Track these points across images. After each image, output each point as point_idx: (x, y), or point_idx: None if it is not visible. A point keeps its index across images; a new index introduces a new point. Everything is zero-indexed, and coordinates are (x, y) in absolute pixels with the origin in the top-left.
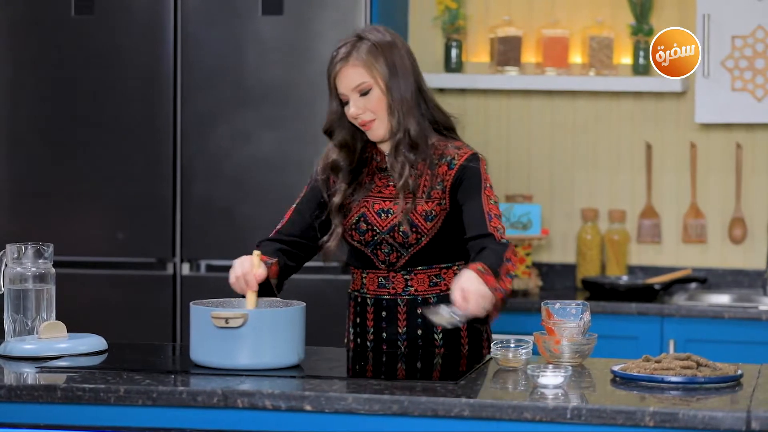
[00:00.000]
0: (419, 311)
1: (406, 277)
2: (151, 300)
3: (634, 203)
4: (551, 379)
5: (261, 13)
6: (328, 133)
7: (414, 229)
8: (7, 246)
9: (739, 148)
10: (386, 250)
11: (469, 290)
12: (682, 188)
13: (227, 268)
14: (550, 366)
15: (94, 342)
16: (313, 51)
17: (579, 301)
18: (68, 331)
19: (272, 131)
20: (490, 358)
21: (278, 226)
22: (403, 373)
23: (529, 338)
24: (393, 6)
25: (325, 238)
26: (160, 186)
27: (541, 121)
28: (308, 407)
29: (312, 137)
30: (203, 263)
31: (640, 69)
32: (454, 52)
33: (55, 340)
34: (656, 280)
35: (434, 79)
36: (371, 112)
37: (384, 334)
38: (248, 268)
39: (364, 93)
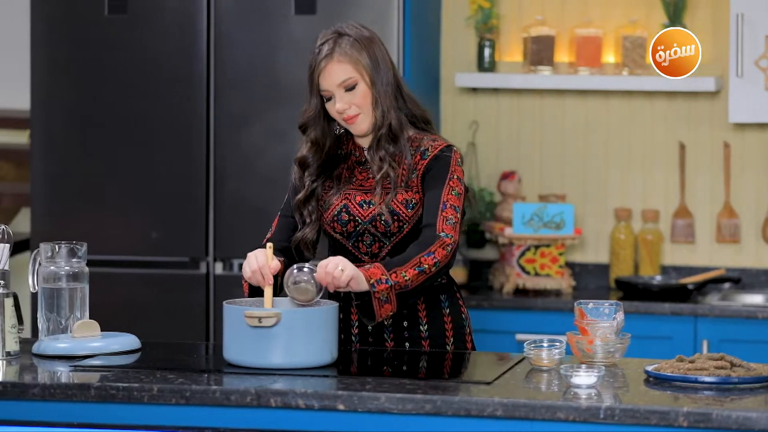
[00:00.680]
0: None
1: None
2: (184, 299)
3: (668, 203)
4: (584, 378)
5: (294, 13)
6: (303, 129)
7: (395, 218)
8: (41, 245)
9: None
10: (368, 241)
11: (329, 262)
12: (716, 188)
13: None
14: (583, 366)
15: (128, 341)
16: None
17: (612, 301)
18: (102, 330)
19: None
20: (523, 358)
21: (267, 235)
22: (437, 373)
23: (562, 338)
24: (426, 5)
25: (299, 234)
26: (193, 185)
27: (575, 121)
28: (341, 406)
29: None
30: (236, 262)
31: None
32: (487, 52)
33: (89, 338)
34: (690, 280)
35: (467, 78)
36: (356, 106)
37: (369, 328)
38: (263, 261)
39: (350, 88)
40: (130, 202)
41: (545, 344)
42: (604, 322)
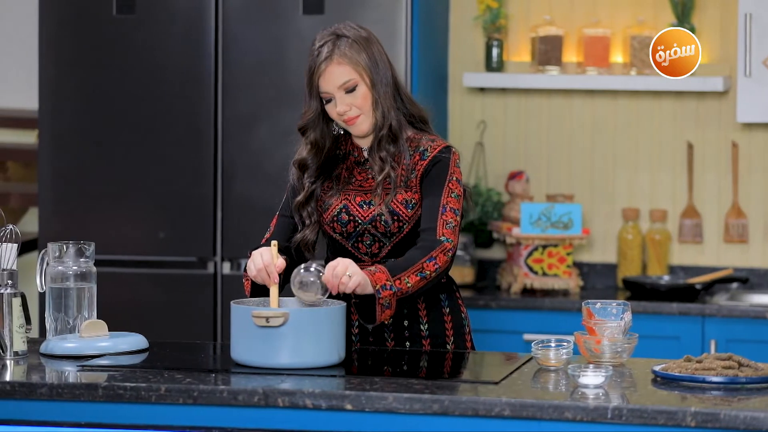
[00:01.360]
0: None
1: None
2: (191, 299)
3: (676, 203)
4: (592, 378)
5: (302, 13)
6: (302, 131)
7: (395, 218)
8: (49, 245)
9: None
10: (368, 242)
11: (339, 264)
12: (724, 188)
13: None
14: (591, 366)
15: (135, 341)
16: None
17: (620, 301)
18: (109, 330)
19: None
20: (530, 358)
21: (266, 235)
22: (445, 373)
23: (570, 338)
24: (434, 5)
25: (299, 235)
26: (201, 185)
27: (582, 121)
28: (349, 406)
29: None
30: (244, 262)
31: None
32: (495, 52)
33: (97, 338)
34: (697, 280)
35: (475, 78)
36: (357, 108)
37: (370, 327)
38: (269, 260)
39: (350, 90)
40: (137, 201)
41: (553, 344)
42: (611, 322)
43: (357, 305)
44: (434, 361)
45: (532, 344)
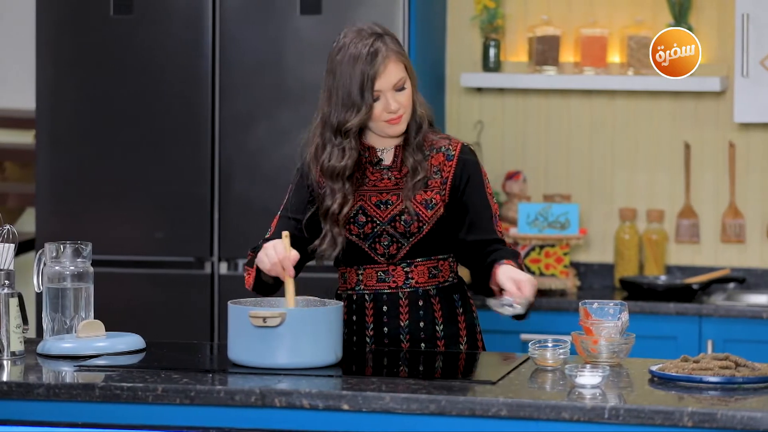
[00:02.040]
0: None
1: (407, 269)
2: (189, 299)
3: (673, 203)
4: (589, 378)
5: (299, 13)
6: (344, 132)
7: (415, 218)
8: (46, 245)
9: None
10: (386, 242)
11: (520, 279)
12: (721, 188)
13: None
14: (588, 366)
15: (132, 341)
16: None
17: (617, 301)
18: (106, 330)
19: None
20: (528, 358)
21: (267, 235)
22: (442, 373)
23: (567, 338)
24: (431, 5)
25: (317, 242)
26: (198, 185)
27: (580, 121)
28: (346, 406)
29: None
30: (241, 262)
31: None
32: (492, 52)
33: (94, 338)
34: (694, 280)
35: (472, 78)
36: (404, 107)
37: (385, 329)
38: (283, 253)
39: (400, 89)
40: (135, 201)
41: (550, 344)
42: (608, 322)
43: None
44: (432, 362)
45: (529, 344)
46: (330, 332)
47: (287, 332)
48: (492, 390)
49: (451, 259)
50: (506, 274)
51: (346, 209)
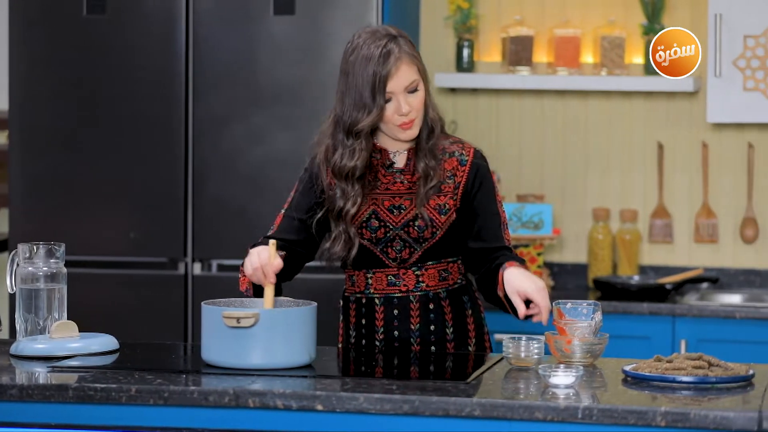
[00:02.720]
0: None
1: (417, 273)
2: (162, 300)
3: (646, 203)
4: (562, 378)
5: (273, 13)
6: (358, 135)
7: (429, 223)
8: (19, 245)
9: (751, 148)
10: (398, 247)
11: (526, 291)
12: (694, 188)
13: (239, 268)
14: (562, 366)
15: (106, 341)
16: (325, 50)
17: (590, 301)
18: (80, 331)
19: (285, 131)
20: (502, 358)
21: (269, 233)
22: (416, 373)
23: (541, 338)
24: (404, 5)
25: (327, 245)
26: (172, 186)
27: (553, 121)
28: (319, 407)
29: None
30: (215, 263)
31: (651, 69)
32: (465, 52)
33: (67, 339)
34: (668, 280)
35: (446, 78)
36: (415, 110)
37: (396, 333)
38: (266, 259)
39: (412, 91)
40: (108, 202)
41: (523, 344)
42: (582, 322)
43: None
44: (406, 361)
45: (504, 339)
46: (304, 333)
47: (261, 333)
48: (465, 390)
49: (459, 261)
50: (512, 285)
51: (355, 209)
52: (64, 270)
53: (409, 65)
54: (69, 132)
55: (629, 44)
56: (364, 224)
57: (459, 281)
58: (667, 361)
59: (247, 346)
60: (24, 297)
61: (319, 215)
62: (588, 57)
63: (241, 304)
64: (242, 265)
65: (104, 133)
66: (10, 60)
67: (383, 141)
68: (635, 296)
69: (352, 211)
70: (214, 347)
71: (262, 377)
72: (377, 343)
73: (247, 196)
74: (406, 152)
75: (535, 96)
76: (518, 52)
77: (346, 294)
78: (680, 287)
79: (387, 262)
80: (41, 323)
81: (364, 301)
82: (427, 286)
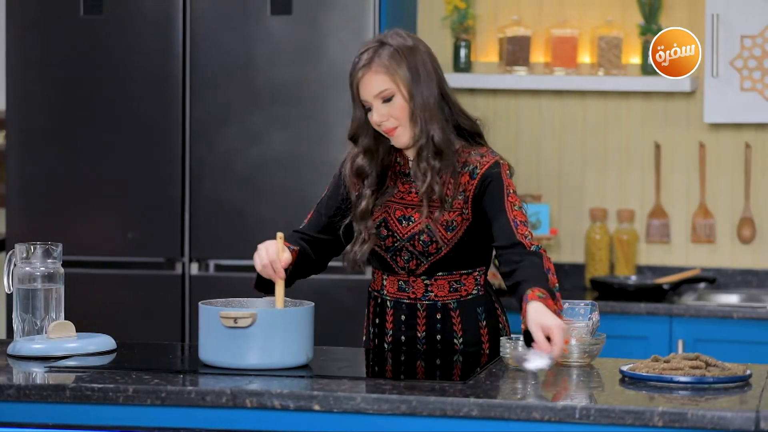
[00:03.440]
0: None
1: (426, 282)
2: (159, 300)
3: (643, 203)
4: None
5: (270, 13)
6: (353, 139)
7: (433, 239)
8: (16, 246)
9: (748, 147)
10: (406, 257)
11: (550, 327)
12: (691, 188)
13: (236, 268)
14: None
15: (103, 342)
16: (322, 50)
17: (588, 301)
18: (77, 331)
19: (282, 131)
20: (500, 359)
21: (300, 227)
22: (413, 373)
23: None
24: (402, 5)
25: (349, 247)
26: (169, 186)
27: (550, 121)
28: (317, 407)
29: (322, 137)
30: (212, 263)
31: (648, 69)
32: (462, 52)
33: (64, 339)
34: (665, 280)
35: None
36: (394, 119)
37: (403, 337)
38: (274, 255)
39: (387, 100)
40: (105, 202)
41: (521, 344)
42: (579, 322)
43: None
44: (403, 362)
45: (501, 339)
46: (301, 333)
47: (258, 333)
48: (463, 390)
49: (477, 272)
50: (535, 320)
51: (364, 206)
52: (62, 270)
53: (376, 74)
54: (66, 132)
55: (626, 44)
56: (374, 231)
57: (474, 292)
58: (665, 361)
59: (245, 347)
60: (21, 297)
61: (346, 221)
62: (585, 57)
63: (238, 304)
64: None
65: (101, 134)
66: (7, 60)
67: (406, 149)
68: (632, 296)
69: (361, 207)
70: (212, 347)
71: (260, 377)
72: (386, 345)
73: (244, 196)
74: None
75: (532, 96)
76: (515, 52)
77: (369, 288)
78: (677, 287)
79: (396, 270)
80: (38, 323)
81: (379, 300)
82: (435, 296)
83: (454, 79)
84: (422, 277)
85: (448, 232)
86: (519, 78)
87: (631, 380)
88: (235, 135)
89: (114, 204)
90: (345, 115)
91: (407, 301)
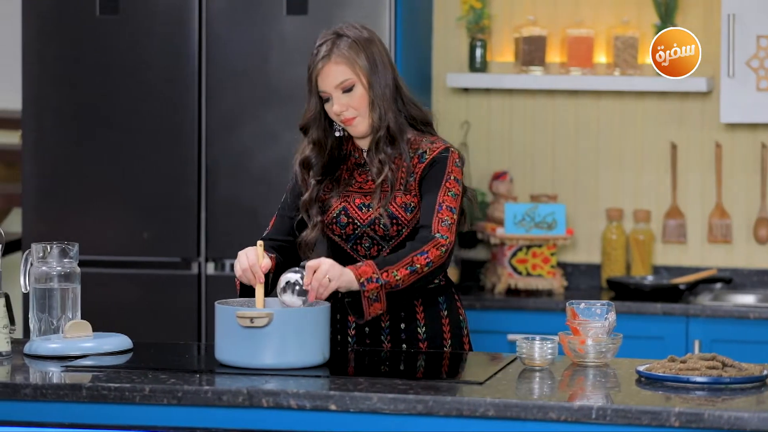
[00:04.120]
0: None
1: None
2: (175, 299)
3: (659, 203)
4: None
5: (286, 13)
6: (304, 130)
7: (394, 221)
8: (33, 245)
9: (764, 148)
10: (367, 245)
11: (326, 271)
12: (707, 188)
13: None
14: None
15: (119, 341)
16: None
17: (604, 301)
18: (93, 331)
19: (297, 131)
20: (515, 358)
21: (264, 233)
22: (428, 374)
23: (554, 338)
24: (417, 5)
25: (305, 233)
26: (185, 185)
27: (566, 121)
28: (333, 407)
29: None
30: (228, 262)
31: None
32: (478, 52)
33: (81, 339)
34: (681, 281)
35: (459, 78)
36: (354, 109)
37: (367, 329)
38: (254, 260)
39: (347, 90)
40: (121, 202)
41: (537, 345)
42: (595, 322)
43: (349, 303)
44: (419, 362)
45: (518, 339)
46: (317, 333)
47: (274, 332)
48: (479, 390)
49: None
50: (326, 263)
51: (308, 197)
52: (78, 270)
53: (337, 65)
54: (82, 132)
55: (642, 44)
56: (334, 220)
57: (436, 282)
58: (681, 362)
59: (261, 346)
60: (38, 297)
61: (300, 216)
62: (601, 57)
63: (255, 303)
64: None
65: (117, 133)
66: (24, 60)
67: (358, 140)
68: (649, 296)
69: (305, 196)
70: (228, 347)
71: (276, 377)
72: (349, 339)
73: (260, 196)
74: None
75: (547, 96)
76: (531, 52)
77: None
78: (694, 287)
79: (358, 259)
80: (55, 323)
81: (339, 295)
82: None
83: (469, 79)
84: None
85: (407, 213)
86: (535, 78)
87: (647, 380)
88: (251, 134)
89: (130, 204)
90: None
91: None
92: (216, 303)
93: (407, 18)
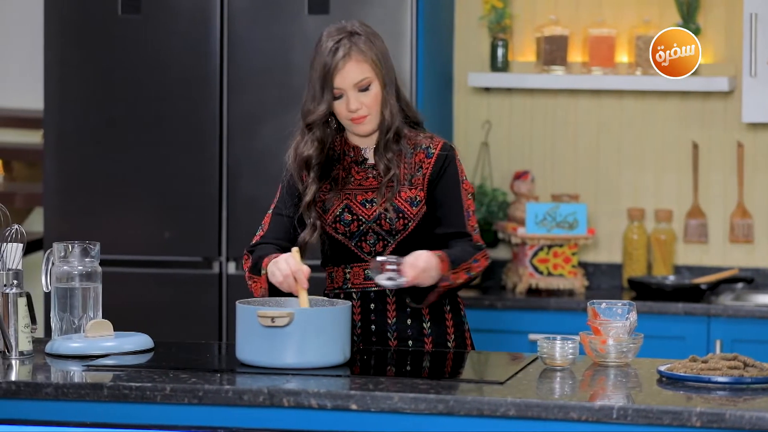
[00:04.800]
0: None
1: None
2: (197, 299)
3: (681, 203)
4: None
5: (307, 12)
6: (309, 127)
7: (400, 215)
8: (54, 244)
9: None
10: (372, 241)
11: (419, 260)
12: (729, 188)
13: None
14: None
15: (141, 340)
16: None
17: (625, 301)
18: (114, 330)
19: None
20: (536, 358)
21: (260, 233)
22: (450, 373)
23: (575, 338)
24: (439, 5)
25: (304, 234)
26: (206, 185)
27: (588, 121)
28: (354, 406)
29: None
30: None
31: None
32: (500, 52)
33: (102, 338)
34: (703, 280)
35: (480, 78)
36: (367, 107)
37: (372, 327)
38: (296, 266)
39: (364, 89)
40: (143, 201)
41: (558, 344)
42: (617, 322)
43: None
44: (438, 361)
45: (539, 339)
46: (338, 332)
47: (295, 332)
48: (500, 390)
49: None
50: (415, 253)
51: (310, 197)
52: (99, 269)
53: (359, 63)
54: (103, 131)
55: None
56: (337, 218)
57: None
58: (702, 362)
59: (282, 346)
60: (59, 296)
61: (299, 212)
62: (623, 57)
63: (276, 303)
64: (249, 270)
65: (139, 133)
66: (46, 60)
67: (354, 138)
68: (670, 296)
69: (306, 198)
70: (249, 346)
71: (297, 376)
72: (354, 338)
73: None
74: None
75: (569, 96)
76: (553, 51)
77: (326, 291)
78: (715, 287)
79: (362, 257)
80: (76, 322)
81: (342, 296)
82: None
83: (491, 79)
84: None
85: (413, 207)
86: (556, 78)
87: (668, 380)
88: (272, 134)
89: (151, 203)
90: None
91: (375, 290)
92: (237, 302)
93: (429, 17)
